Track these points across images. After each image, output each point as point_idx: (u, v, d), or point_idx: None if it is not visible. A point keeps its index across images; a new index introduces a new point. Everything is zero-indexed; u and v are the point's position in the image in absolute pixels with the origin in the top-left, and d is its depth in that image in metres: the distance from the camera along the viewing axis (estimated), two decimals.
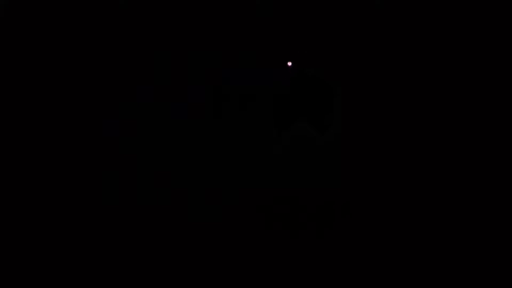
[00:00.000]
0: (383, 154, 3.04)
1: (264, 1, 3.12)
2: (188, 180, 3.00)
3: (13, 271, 2.79)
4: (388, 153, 3.03)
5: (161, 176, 2.98)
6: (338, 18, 3.16)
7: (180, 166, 3.01)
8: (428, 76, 3.05)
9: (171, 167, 3.00)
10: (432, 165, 2.98)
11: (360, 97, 3.13)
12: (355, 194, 2.99)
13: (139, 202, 2.94)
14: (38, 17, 3.01)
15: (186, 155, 3.02)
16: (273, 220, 2.96)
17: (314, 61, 3.19)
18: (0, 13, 2.96)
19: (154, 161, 3.00)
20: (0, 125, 2.94)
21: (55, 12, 3.01)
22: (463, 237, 2.88)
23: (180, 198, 2.96)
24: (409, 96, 3.05)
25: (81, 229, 2.88)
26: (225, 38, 3.13)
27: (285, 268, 2.87)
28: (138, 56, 3.07)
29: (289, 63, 2.94)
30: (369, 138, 3.06)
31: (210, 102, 3.10)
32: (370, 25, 3.13)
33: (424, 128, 3.02)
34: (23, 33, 3.01)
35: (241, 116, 3.09)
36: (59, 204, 2.90)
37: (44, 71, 3.01)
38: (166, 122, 3.03)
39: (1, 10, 2.96)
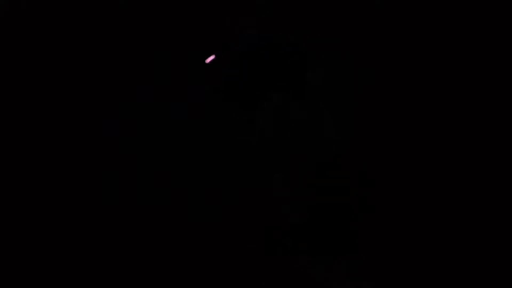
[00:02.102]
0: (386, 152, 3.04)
1: (265, 1, 3.12)
2: (188, 180, 3.00)
3: (12, 271, 2.79)
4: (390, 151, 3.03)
5: (161, 176, 2.98)
6: (338, 18, 3.16)
7: (180, 166, 3.01)
8: (428, 75, 3.05)
9: (171, 167, 3.00)
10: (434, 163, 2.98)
11: (360, 99, 3.13)
12: (357, 194, 2.99)
13: (139, 202, 2.94)
14: (37, 17, 3.01)
15: (186, 155, 3.02)
16: (274, 221, 2.96)
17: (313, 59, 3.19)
18: (0, 13, 2.96)
19: (154, 161, 2.99)
20: None
21: (54, 12, 3.01)
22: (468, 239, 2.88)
23: (180, 198, 2.96)
24: (409, 96, 3.05)
25: (81, 229, 2.88)
26: (225, 38, 3.13)
27: (286, 269, 2.87)
28: (138, 56, 3.07)
29: (209, 59, 2.75)
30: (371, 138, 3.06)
31: (210, 102, 3.10)
32: (370, 26, 3.13)
33: (425, 129, 3.02)
34: (23, 33, 3.01)
35: (241, 116, 3.09)
36: (58, 204, 2.90)
37: (43, 71, 3.01)
38: (166, 122, 3.03)
39: (1, 10, 2.96)
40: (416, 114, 3.03)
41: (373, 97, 3.08)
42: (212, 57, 2.75)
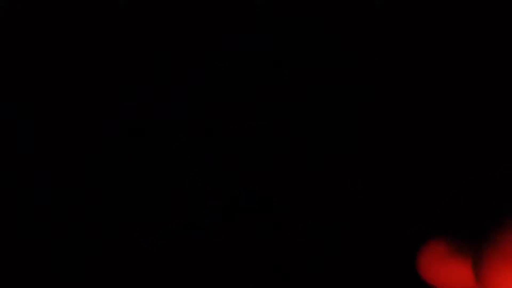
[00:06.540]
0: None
1: (265, 1, 3.13)
2: (188, 180, 3.00)
3: (11, 271, 2.80)
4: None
5: (161, 176, 2.98)
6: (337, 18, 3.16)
7: (180, 166, 3.01)
8: (429, 76, 3.06)
9: (171, 167, 3.00)
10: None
11: (360, 101, 3.13)
12: (363, 197, 2.99)
13: (139, 202, 2.94)
14: (37, 17, 3.02)
15: (186, 155, 3.03)
16: (274, 221, 2.96)
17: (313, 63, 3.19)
18: (0, 13, 2.97)
19: (154, 161, 3.00)
20: None
21: (54, 12, 3.02)
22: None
23: (180, 198, 2.96)
24: (410, 96, 3.06)
25: (81, 229, 2.89)
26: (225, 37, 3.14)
27: (286, 269, 2.87)
28: (138, 56, 3.08)
29: None
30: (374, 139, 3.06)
31: (210, 102, 3.11)
32: (370, 25, 3.13)
33: (426, 130, 3.02)
34: (23, 33, 3.02)
35: (241, 115, 3.09)
36: (58, 204, 2.91)
37: (43, 71, 3.02)
38: (166, 122, 3.04)
39: (1, 10, 2.97)
40: (416, 114, 3.03)
41: (373, 97, 3.09)
42: None
